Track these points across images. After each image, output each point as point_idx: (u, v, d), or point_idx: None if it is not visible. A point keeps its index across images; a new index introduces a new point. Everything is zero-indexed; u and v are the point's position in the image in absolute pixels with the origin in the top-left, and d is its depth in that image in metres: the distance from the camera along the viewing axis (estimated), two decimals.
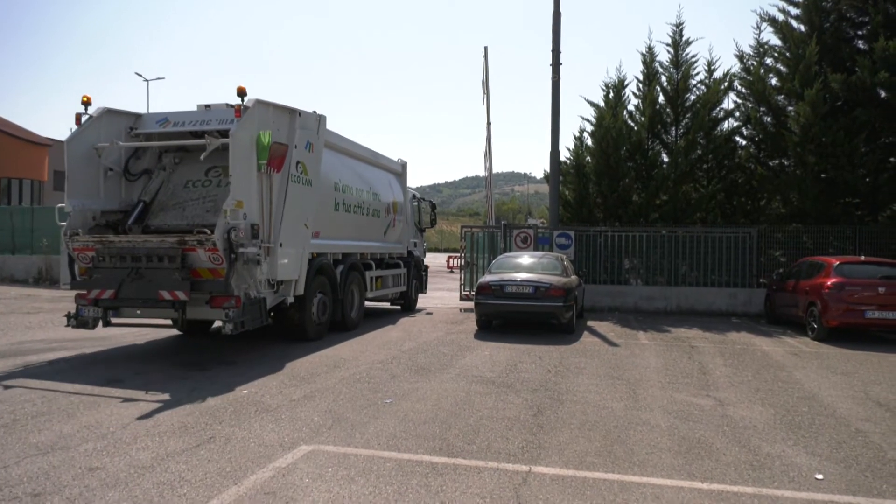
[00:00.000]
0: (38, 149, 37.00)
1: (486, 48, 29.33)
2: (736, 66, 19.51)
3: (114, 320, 8.97)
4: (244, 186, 8.62)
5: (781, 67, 17.90)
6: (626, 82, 19.25)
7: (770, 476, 4.70)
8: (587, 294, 15.69)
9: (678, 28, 18.78)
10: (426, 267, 17.84)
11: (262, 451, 5.01)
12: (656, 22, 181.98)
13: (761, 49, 18.92)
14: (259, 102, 9.05)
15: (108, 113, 9.62)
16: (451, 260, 31.20)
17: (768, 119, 18.01)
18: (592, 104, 19.39)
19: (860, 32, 17.60)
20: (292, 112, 9.91)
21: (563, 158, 18.53)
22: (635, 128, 18.64)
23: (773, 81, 18.07)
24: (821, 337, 11.84)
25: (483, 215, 72.08)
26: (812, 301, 12.16)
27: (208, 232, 8.39)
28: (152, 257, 8.49)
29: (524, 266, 12.81)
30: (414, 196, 17.10)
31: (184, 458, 4.81)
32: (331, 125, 11.11)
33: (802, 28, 17.61)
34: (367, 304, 13.27)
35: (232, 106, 9.14)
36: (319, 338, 10.65)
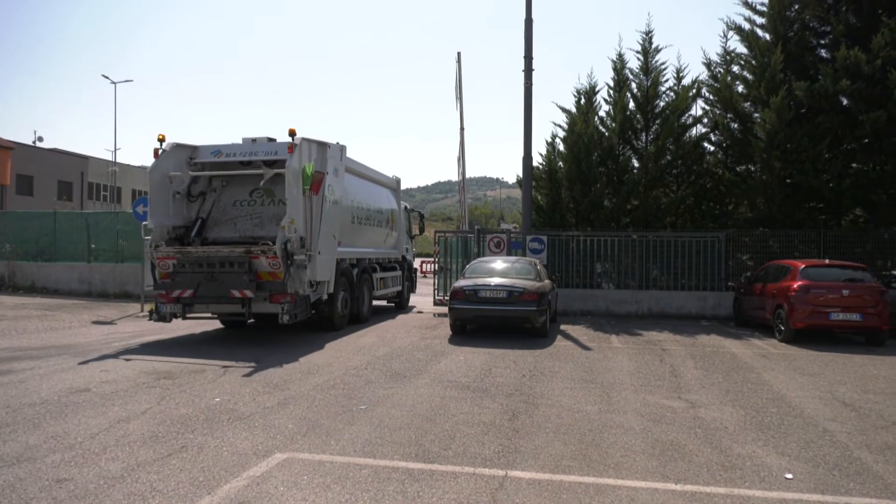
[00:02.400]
0: (1, 152, 36.04)
1: (459, 53, 29.60)
2: (704, 74, 20.00)
3: (188, 315, 10.93)
4: (295, 207, 10.63)
5: (747, 75, 18.29)
6: (597, 89, 19.57)
7: (741, 476, 4.79)
8: (560, 298, 15.81)
9: (648, 36, 19.08)
10: (415, 270, 19.71)
11: (236, 460, 4.94)
12: (627, 30, 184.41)
13: (728, 57, 19.35)
14: (304, 140, 11.11)
15: (176, 147, 11.68)
16: (424, 265, 31.04)
17: (735, 125, 18.38)
18: (564, 110, 19.64)
19: (823, 42, 18.08)
20: (323, 144, 11.91)
21: (535, 164, 18.73)
22: (606, 134, 18.90)
23: (740, 89, 18.46)
24: (788, 339, 12.09)
25: (456, 220, 72.24)
26: (779, 304, 12.42)
27: (270, 243, 10.46)
28: (224, 263, 10.46)
29: (498, 271, 12.86)
30: (405, 208, 18.64)
31: (155, 468, 4.72)
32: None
33: (768, 37, 18.03)
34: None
35: (273, 140, 11.82)
36: (342, 328, 12.63)
